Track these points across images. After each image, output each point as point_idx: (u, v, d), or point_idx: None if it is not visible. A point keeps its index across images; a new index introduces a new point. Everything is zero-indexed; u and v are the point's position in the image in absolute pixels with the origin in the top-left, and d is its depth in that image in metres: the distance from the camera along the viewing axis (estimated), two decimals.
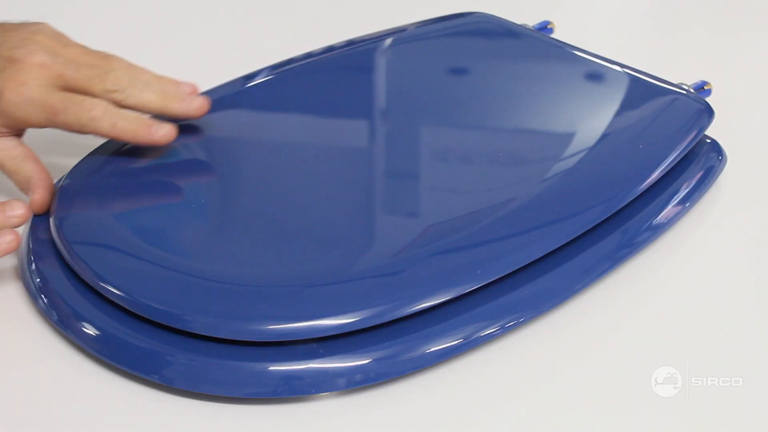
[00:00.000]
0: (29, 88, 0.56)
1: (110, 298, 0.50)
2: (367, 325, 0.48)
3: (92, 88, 0.58)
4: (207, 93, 0.65)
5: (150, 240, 0.52)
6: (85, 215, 0.55)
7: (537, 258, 0.52)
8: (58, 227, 0.54)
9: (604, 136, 0.60)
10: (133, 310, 0.49)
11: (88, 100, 0.57)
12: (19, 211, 0.54)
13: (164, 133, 0.58)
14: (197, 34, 0.88)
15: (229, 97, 0.66)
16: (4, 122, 0.58)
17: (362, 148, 0.63)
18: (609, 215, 0.55)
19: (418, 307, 0.48)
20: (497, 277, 0.50)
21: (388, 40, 0.73)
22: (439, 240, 0.52)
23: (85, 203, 0.56)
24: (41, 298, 0.53)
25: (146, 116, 0.59)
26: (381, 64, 0.72)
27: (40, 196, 0.57)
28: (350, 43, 0.72)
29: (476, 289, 0.50)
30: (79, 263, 0.51)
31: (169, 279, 0.50)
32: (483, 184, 0.58)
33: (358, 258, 0.53)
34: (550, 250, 0.52)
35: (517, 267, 0.51)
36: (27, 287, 0.54)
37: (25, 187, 0.58)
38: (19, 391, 0.49)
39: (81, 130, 0.58)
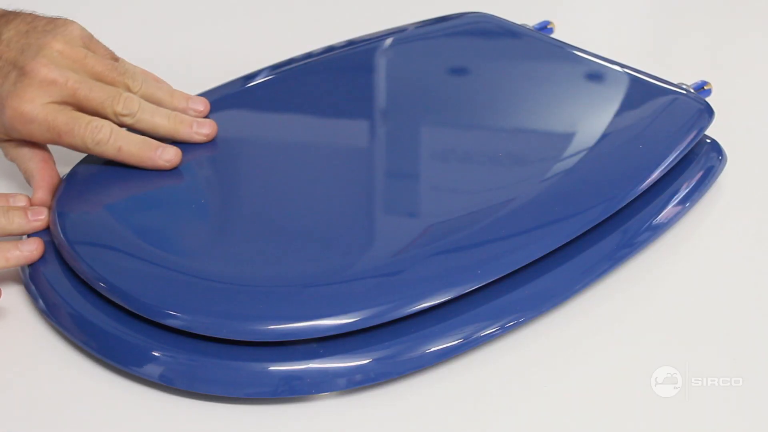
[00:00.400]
0: (35, 107, 0.56)
1: (108, 296, 0.50)
2: (367, 325, 0.48)
3: (102, 111, 0.58)
4: (207, 93, 0.65)
5: (150, 239, 0.52)
6: (85, 214, 0.55)
7: (537, 258, 0.52)
8: (58, 226, 0.54)
9: (604, 136, 0.60)
10: (132, 310, 0.49)
11: (94, 122, 0.57)
12: (41, 216, 0.55)
13: (169, 158, 0.58)
14: (198, 34, 0.88)
15: (229, 97, 0.66)
16: (8, 134, 0.58)
17: (362, 147, 0.63)
18: (609, 215, 0.55)
19: (418, 307, 0.48)
20: (497, 277, 0.50)
21: (388, 40, 0.73)
22: (439, 240, 0.52)
23: (86, 202, 0.56)
24: (41, 298, 0.53)
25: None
26: (381, 64, 0.72)
27: (38, 196, 0.57)
28: (350, 43, 0.72)
29: (476, 289, 0.50)
30: (78, 262, 0.51)
31: (168, 279, 0.50)
32: (483, 184, 0.58)
33: (358, 258, 0.52)
34: (550, 250, 0.52)
35: (517, 267, 0.51)
36: (27, 287, 0.54)
37: (27, 176, 0.59)
38: (19, 391, 0.49)
39: (86, 152, 0.58)
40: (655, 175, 0.57)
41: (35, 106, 0.56)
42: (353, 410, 0.48)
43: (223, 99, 0.65)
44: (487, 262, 0.51)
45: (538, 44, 0.72)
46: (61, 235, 0.53)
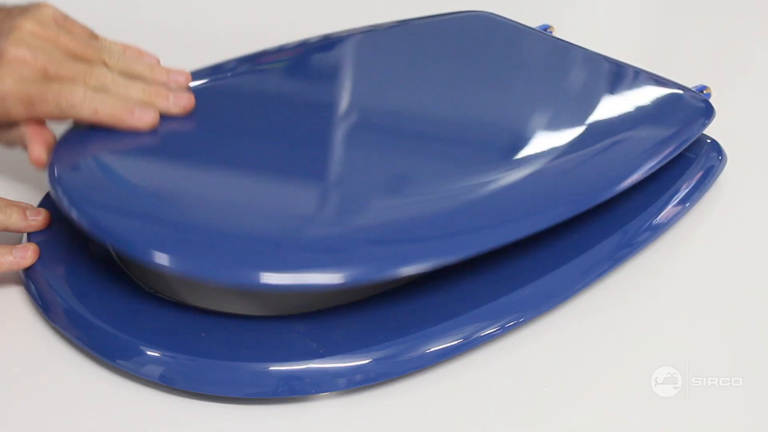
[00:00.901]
0: (5, 84, 0.56)
1: (104, 243, 0.49)
2: (353, 284, 0.47)
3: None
4: (201, 70, 0.65)
5: (145, 187, 0.52)
6: (82, 166, 0.55)
7: (531, 234, 0.51)
8: (54, 179, 0.53)
9: (602, 129, 0.60)
10: (122, 251, 0.48)
11: (67, 86, 0.56)
12: (39, 216, 0.55)
13: (148, 121, 0.57)
14: (195, 28, 0.88)
15: (222, 73, 0.65)
16: None
17: (352, 119, 0.63)
18: (604, 200, 0.54)
19: (407, 270, 0.47)
20: (490, 245, 0.50)
21: (384, 30, 0.73)
22: (430, 208, 0.51)
23: (83, 154, 0.55)
24: (40, 297, 0.52)
25: None
26: (371, 51, 0.71)
27: (35, 153, 0.56)
28: (348, 32, 0.72)
29: (476, 289, 0.50)
30: (75, 213, 0.50)
31: (165, 226, 0.49)
32: (476, 167, 0.57)
33: (353, 217, 0.52)
34: (543, 228, 0.51)
35: (508, 240, 0.50)
36: (27, 288, 0.54)
37: (24, 146, 0.58)
38: (19, 390, 0.49)
39: (62, 117, 0.57)
40: (654, 162, 0.57)
41: (5, 84, 0.56)
42: (353, 410, 0.48)
43: (216, 74, 0.65)
44: (481, 229, 0.50)
45: (538, 40, 0.72)
46: (57, 187, 0.52)
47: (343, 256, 0.48)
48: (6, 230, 0.55)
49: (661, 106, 0.63)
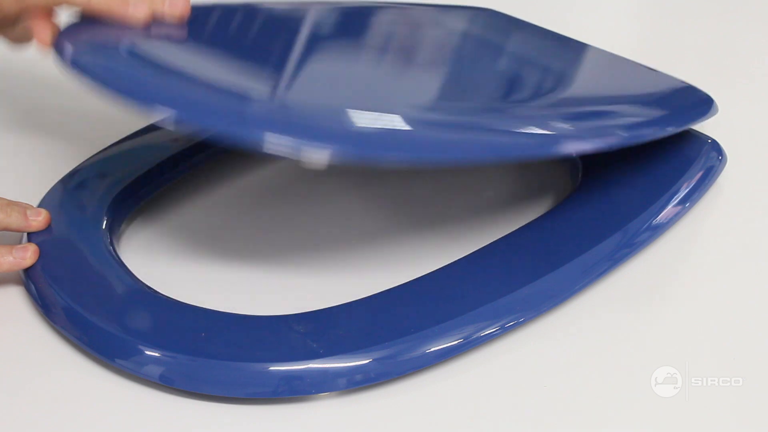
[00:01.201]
0: None
1: (113, 98, 0.49)
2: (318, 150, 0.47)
3: None
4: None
5: (152, 53, 0.52)
6: (87, 39, 0.54)
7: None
8: (61, 51, 0.53)
9: (601, 113, 0.60)
10: (136, 108, 0.48)
11: None
12: (39, 216, 0.55)
13: (141, 16, 0.55)
14: None
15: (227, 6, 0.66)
16: None
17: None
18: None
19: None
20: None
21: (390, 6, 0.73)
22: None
23: (87, 32, 0.55)
24: (41, 298, 0.53)
25: None
26: (377, 18, 0.72)
27: (40, 34, 0.55)
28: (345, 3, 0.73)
29: (476, 289, 0.50)
30: (87, 77, 0.50)
31: (171, 82, 0.50)
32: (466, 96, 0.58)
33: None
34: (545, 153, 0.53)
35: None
36: (27, 288, 0.54)
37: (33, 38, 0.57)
38: (19, 390, 0.49)
39: (54, 3, 0.56)
40: (652, 130, 0.57)
41: None
42: (353, 410, 0.48)
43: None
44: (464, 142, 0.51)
45: (539, 34, 0.72)
46: (66, 55, 0.52)
47: (342, 133, 0.47)
48: (6, 230, 0.55)
49: (656, 92, 0.63)
